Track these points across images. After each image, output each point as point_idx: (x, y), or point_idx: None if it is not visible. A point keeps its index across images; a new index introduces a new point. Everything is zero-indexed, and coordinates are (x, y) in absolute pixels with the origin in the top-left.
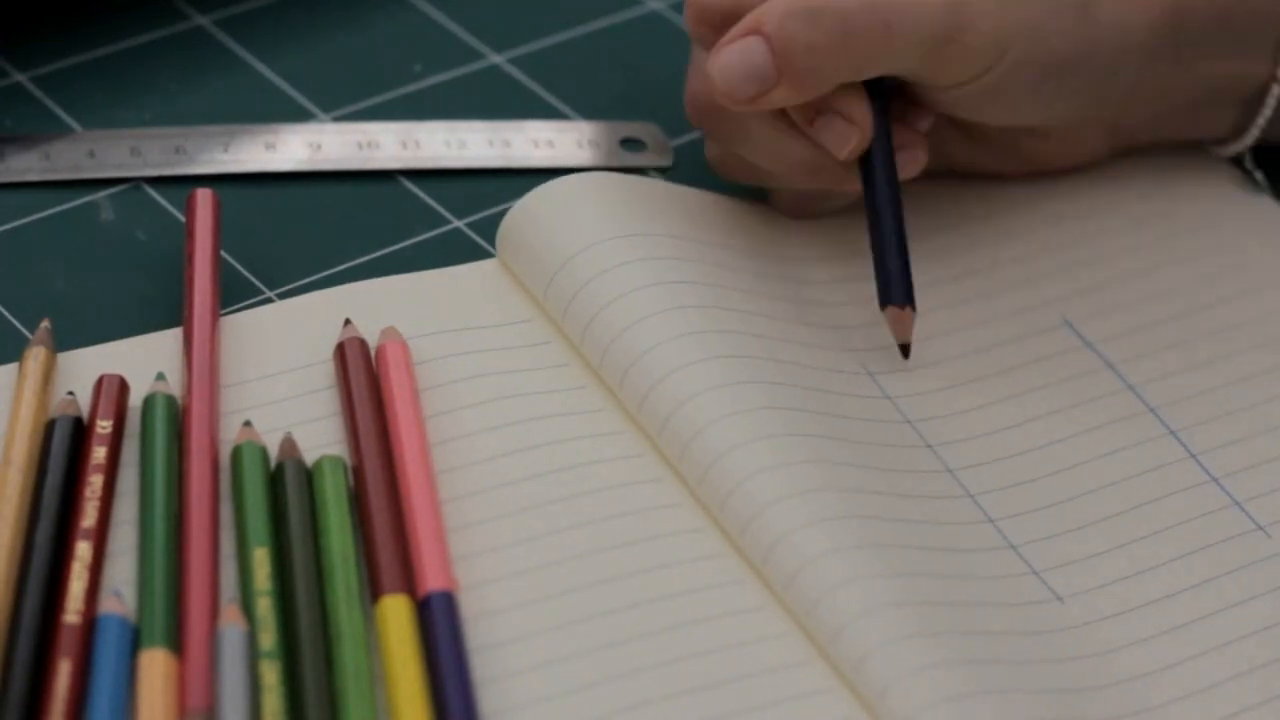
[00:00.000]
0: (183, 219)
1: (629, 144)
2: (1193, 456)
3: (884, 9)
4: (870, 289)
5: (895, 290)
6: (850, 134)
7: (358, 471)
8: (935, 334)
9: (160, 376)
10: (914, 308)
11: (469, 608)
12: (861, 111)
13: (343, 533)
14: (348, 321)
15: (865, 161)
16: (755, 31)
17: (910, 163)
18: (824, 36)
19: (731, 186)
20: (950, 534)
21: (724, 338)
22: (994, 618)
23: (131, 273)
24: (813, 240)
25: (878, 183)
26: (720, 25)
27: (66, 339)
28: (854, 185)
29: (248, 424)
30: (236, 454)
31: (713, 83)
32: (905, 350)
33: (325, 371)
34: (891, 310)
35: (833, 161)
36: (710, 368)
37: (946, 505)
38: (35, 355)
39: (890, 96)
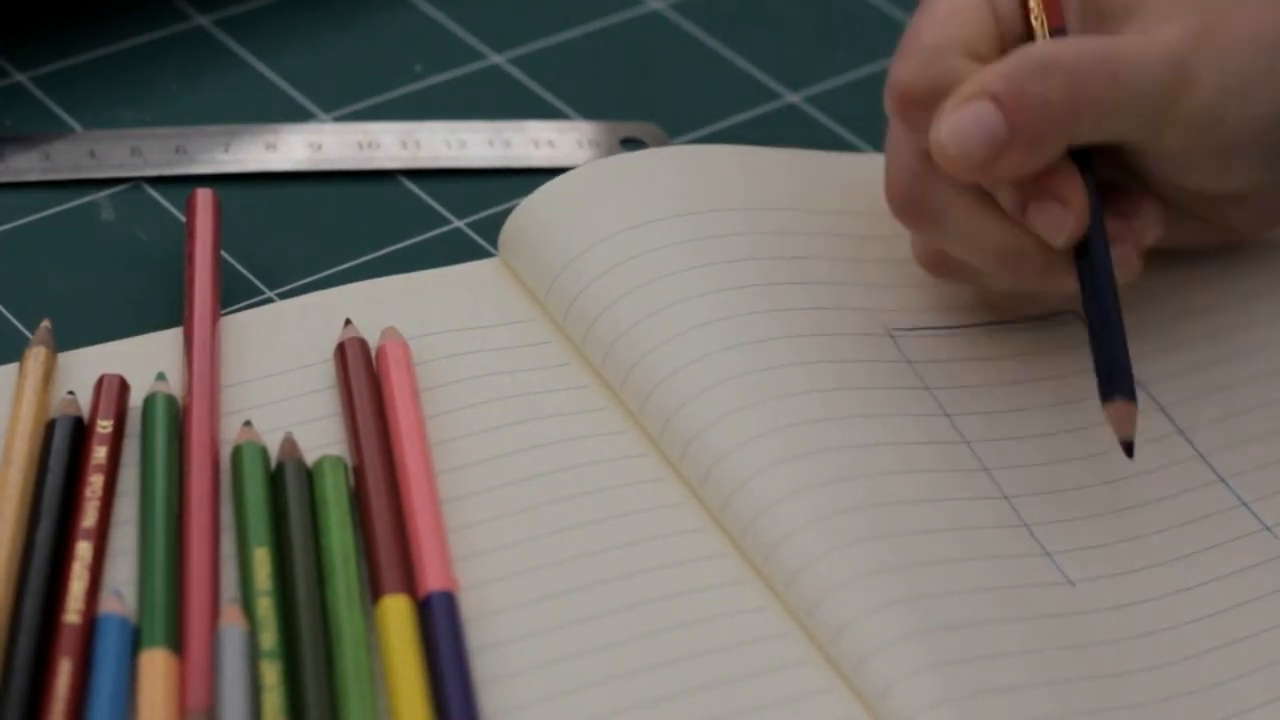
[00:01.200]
0: (183, 219)
1: (629, 144)
2: (1200, 456)
3: (1110, 60)
4: (907, 248)
5: (1120, 384)
6: (1065, 219)
7: (358, 471)
8: (956, 306)
9: (160, 376)
10: (1135, 399)
11: (469, 608)
12: (1077, 194)
13: (343, 533)
14: (348, 321)
15: (1080, 250)
16: (982, 95)
17: (1125, 262)
18: (1056, 90)
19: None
20: (962, 510)
21: (730, 324)
22: (1001, 602)
23: (131, 273)
24: (854, 196)
25: (1096, 270)
26: (927, 102)
27: (66, 339)
28: (1057, 282)
29: (248, 424)
30: (237, 454)
31: (941, 150)
32: (1129, 449)
33: (325, 371)
34: (1116, 406)
35: (1036, 251)
36: (712, 363)
37: (960, 479)
38: (35, 355)
39: (1104, 192)
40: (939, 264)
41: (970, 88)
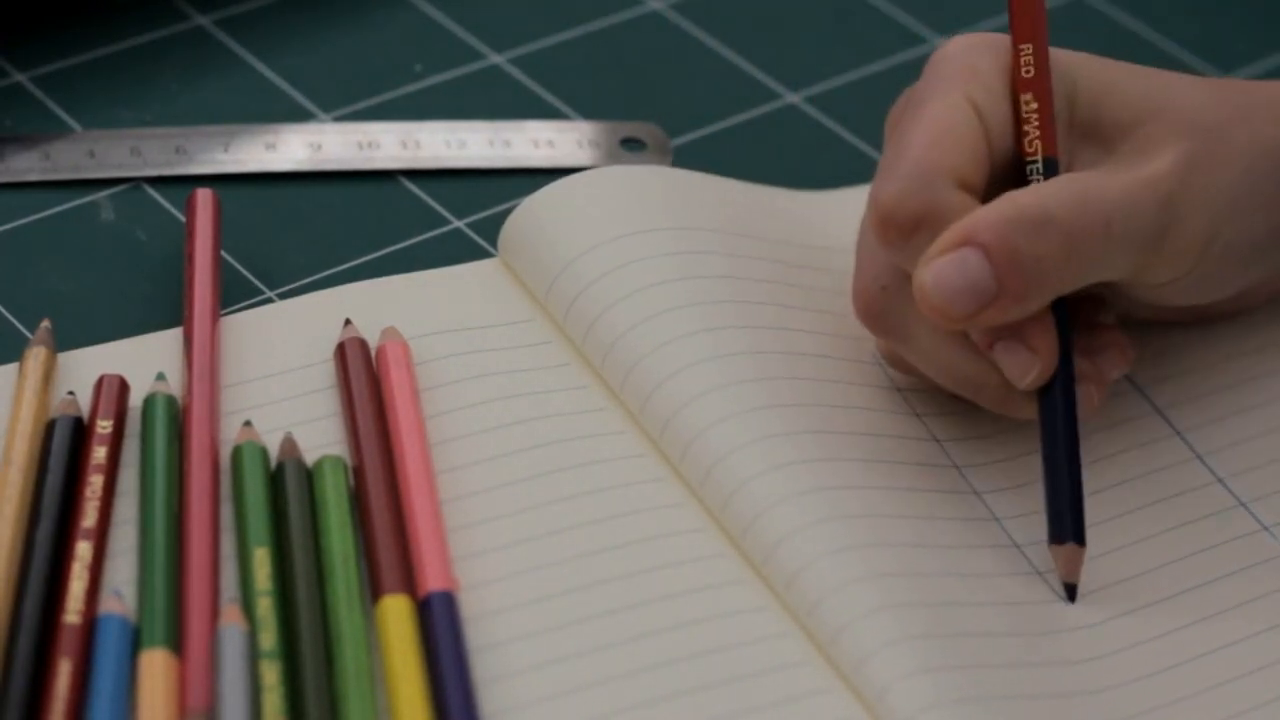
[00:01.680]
0: (183, 219)
1: (629, 144)
2: (1198, 457)
3: (1101, 207)
4: None
5: (1066, 527)
6: (1032, 364)
7: (358, 471)
8: None
9: (160, 376)
10: (1084, 544)
11: (469, 608)
12: (1047, 341)
13: (343, 533)
14: (348, 321)
15: (1044, 391)
16: (968, 243)
17: (1085, 399)
18: (1051, 246)
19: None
20: (954, 531)
21: (728, 334)
22: (996, 618)
23: (131, 273)
24: (836, 229)
25: (1056, 415)
26: (909, 230)
27: (66, 339)
28: (1014, 412)
29: (248, 424)
30: (237, 454)
31: (924, 296)
32: (1071, 592)
33: (325, 371)
34: (1067, 548)
35: (998, 384)
36: (712, 367)
37: (950, 501)
38: (35, 355)
39: (1075, 325)
40: (899, 364)
41: (957, 234)
